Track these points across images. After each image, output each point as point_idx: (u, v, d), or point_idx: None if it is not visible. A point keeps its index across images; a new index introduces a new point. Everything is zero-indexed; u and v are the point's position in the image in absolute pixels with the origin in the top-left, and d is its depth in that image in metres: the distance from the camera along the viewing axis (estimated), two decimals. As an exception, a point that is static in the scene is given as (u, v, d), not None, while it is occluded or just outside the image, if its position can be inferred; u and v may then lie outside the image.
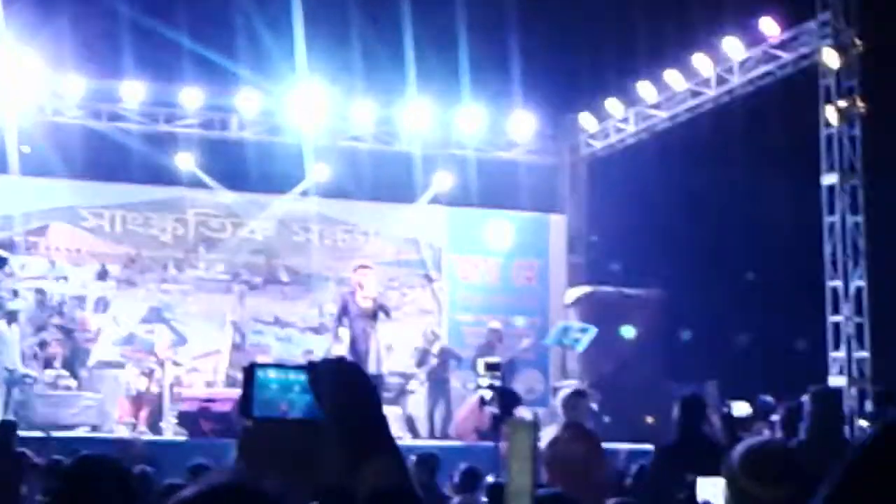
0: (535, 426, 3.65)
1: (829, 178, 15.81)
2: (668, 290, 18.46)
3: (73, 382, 17.79)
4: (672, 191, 18.38)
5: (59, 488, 3.88)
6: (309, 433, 2.07)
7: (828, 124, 15.73)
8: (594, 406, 11.85)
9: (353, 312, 14.93)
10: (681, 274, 18.40)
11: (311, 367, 2.10)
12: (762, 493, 3.95)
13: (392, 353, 19.36)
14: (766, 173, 17.17)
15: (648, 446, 10.56)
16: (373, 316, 15.07)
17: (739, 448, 4.24)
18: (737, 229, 18.10)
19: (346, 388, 2.06)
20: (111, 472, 3.74)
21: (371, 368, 14.70)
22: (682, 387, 16.95)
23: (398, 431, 17.20)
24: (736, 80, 17.56)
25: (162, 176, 19.54)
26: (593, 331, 16.21)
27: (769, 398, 13.55)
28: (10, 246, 18.50)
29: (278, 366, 2.19)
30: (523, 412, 16.86)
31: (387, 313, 15.43)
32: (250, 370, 2.15)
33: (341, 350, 14.70)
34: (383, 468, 2.01)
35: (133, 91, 18.83)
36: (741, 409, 10.90)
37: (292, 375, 2.15)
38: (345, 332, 15.08)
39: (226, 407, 14.95)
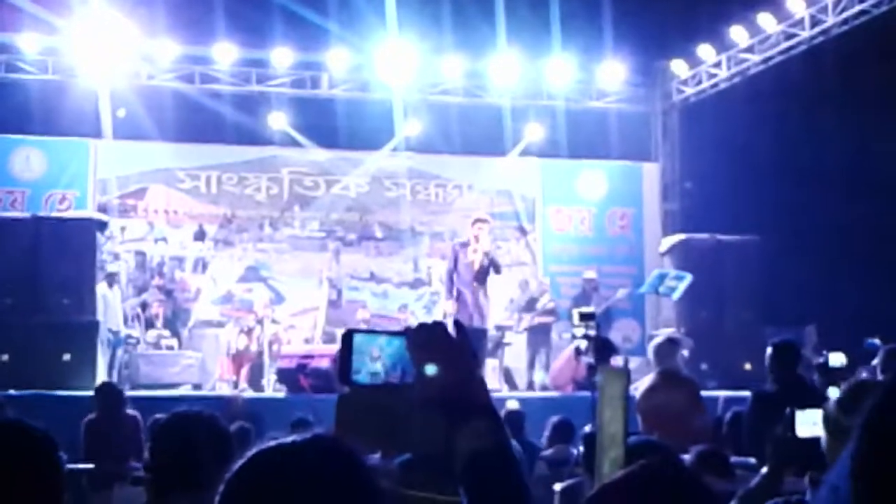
0: (626, 373, 3.67)
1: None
2: (763, 235, 18.24)
3: (174, 342, 18.10)
4: (766, 135, 18.13)
5: (154, 445, 3.95)
6: (406, 398, 2.09)
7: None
8: (685, 353, 11.75)
9: (462, 265, 14.73)
10: (777, 219, 18.21)
11: (408, 333, 2.12)
12: (849, 424, 3.96)
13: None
14: (862, 115, 16.88)
15: (746, 393, 10.47)
16: (484, 270, 14.84)
17: (839, 389, 4.26)
18: (833, 173, 17.84)
19: (443, 352, 2.07)
20: (206, 427, 3.81)
21: (476, 323, 14.61)
22: (781, 332, 16.83)
23: (495, 384, 17.25)
24: (830, 20, 17.23)
25: (255, 136, 19.74)
26: (689, 278, 16.07)
27: (876, 341, 13.37)
28: (108, 209, 18.83)
29: (375, 332, 2.22)
30: (619, 361, 16.88)
31: (497, 269, 15.04)
32: (348, 337, 2.18)
33: (451, 304, 14.66)
34: (481, 431, 2.03)
35: (224, 53, 18.98)
36: (837, 359, 10.76)
37: (388, 340, 2.17)
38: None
39: (323, 363, 15.09)
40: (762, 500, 4.54)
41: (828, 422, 4.11)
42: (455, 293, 14.81)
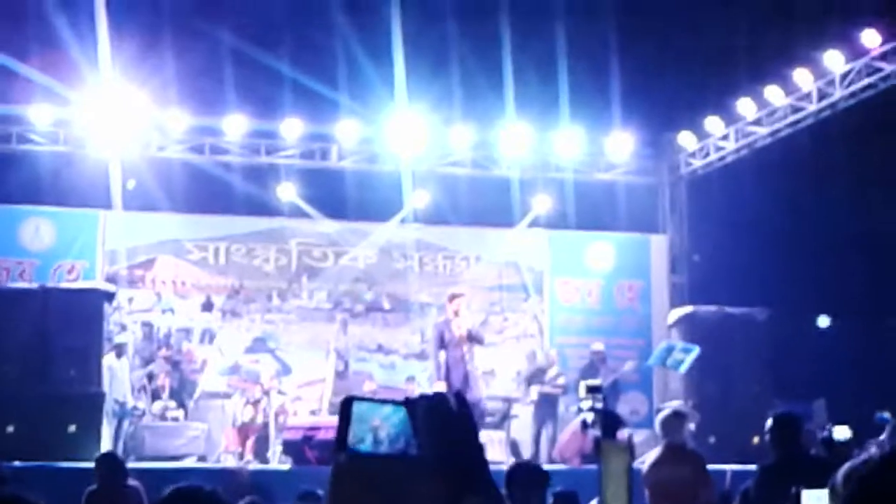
0: (630, 449, 3.65)
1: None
2: (772, 306, 18.20)
3: (180, 413, 18.06)
4: (774, 207, 18.18)
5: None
6: (403, 469, 2.07)
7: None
8: (692, 427, 11.69)
9: (448, 341, 15.00)
10: (785, 290, 18.18)
11: (409, 403, 2.11)
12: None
13: (494, 378, 19.43)
14: (869, 188, 16.92)
15: (754, 467, 10.40)
16: (468, 343, 15.10)
17: (845, 466, 4.20)
18: (840, 245, 17.84)
19: (445, 424, 2.06)
20: (207, 502, 3.78)
21: (468, 395, 14.66)
22: (790, 405, 16.74)
23: (501, 456, 17.17)
24: (837, 93, 17.29)
25: (264, 207, 19.80)
26: (696, 351, 16.03)
27: (886, 414, 13.29)
28: (116, 280, 18.86)
29: (375, 401, 2.20)
30: (626, 434, 16.79)
31: (480, 342, 15.31)
32: (347, 404, 2.17)
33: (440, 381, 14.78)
34: None
35: (235, 124, 19.10)
36: (842, 433, 10.68)
37: (389, 410, 2.16)
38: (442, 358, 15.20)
39: (329, 435, 14.99)
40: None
41: (835, 500, 4.07)
42: (444, 370, 14.94)
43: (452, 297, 15.43)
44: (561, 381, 18.12)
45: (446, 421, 2.07)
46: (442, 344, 14.97)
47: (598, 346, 18.64)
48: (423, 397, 2.12)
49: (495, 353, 19.77)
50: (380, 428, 2.14)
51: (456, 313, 15.05)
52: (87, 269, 18.87)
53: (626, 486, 3.32)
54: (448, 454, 2.04)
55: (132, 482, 10.79)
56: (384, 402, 2.19)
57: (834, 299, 18.04)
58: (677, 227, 21.03)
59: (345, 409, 2.15)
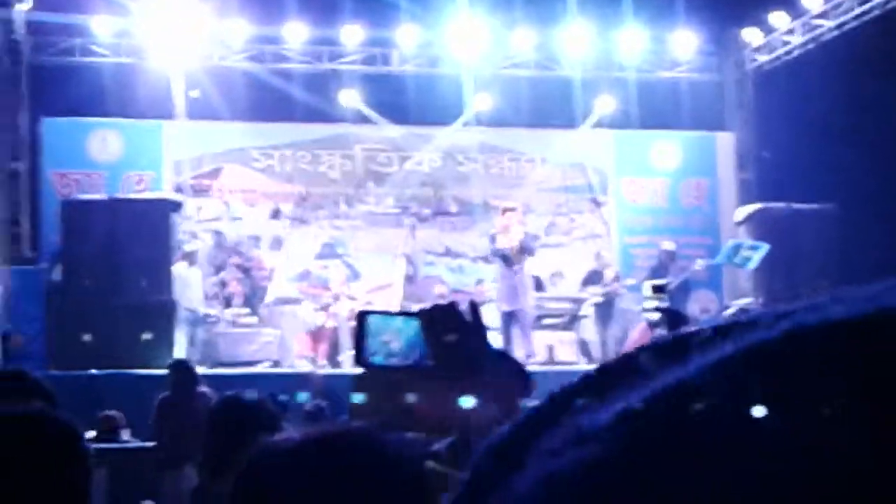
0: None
1: None
2: (840, 203, 18.02)
3: (253, 320, 18.27)
4: (842, 102, 17.86)
5: (204, 431, 3.99)
6: (415, 379, 2.11)
7: None
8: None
9: (500, 250, 15.60)
10: (854, 187, 17.95)
11: (422, 314, 2.14)
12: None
13: (563, 279, 19.46)
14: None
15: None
16: (517, 254, 15.77)
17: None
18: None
19: (455, 333, 2.09)
20: (256, 410, 3.84)
21: (521, 304, 15.81)
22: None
23: (572, 356, 17.27)
24: (906, -17, 16.97)
25: (327, 114, 19.78)
26: (765, 248, 15.94)
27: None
28: (183, 190, 19.02)
29: (390, 313, 2.24)
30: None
31: (531, 252, 16.12)
32: (361, 318, 2.20)
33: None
34: (494, 413, 2.04)
35: (295, 32, 19.07)
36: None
37: (401, 322, 2.19)
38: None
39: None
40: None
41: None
42: (499, 275, 16.10)
43: (504, 211, 15.89)
44: (616, 283, 18.22)
45: (457, 331, 2.09)
46: (495, 251, 15.59)
47: (669, 244, 18.58)
48: (435, 308, 2.15)
49: (563, 255, 19.78)
50: (392, 341, 2.17)
51: (506, 228, 15.52)
52: (155, 179, 19.03)
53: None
54: (459, 363, 2.06)
55: (203, 389, 10.97)
56: (397, 314, 2.23)
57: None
58: (743, 125, 20.80)
59: (360, 323, 2.18)
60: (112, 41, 18.90)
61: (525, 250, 15.94)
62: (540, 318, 17.38)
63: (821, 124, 18.07)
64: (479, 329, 2.15)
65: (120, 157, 19.07)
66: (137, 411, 12.00)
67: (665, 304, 11.16)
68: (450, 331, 2.11)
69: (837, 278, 17.68)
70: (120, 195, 17.65)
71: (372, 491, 1.67)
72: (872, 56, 17.60)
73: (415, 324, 2.15)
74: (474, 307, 2.22)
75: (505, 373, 3.63)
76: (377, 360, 2.19)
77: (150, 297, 16.06)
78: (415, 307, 18.83)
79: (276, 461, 1.72)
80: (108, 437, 11.22)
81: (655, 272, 18.20)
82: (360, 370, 2.22)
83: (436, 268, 19.91)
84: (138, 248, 16.15)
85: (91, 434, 10.02)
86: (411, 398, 2.14)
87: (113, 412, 11.78)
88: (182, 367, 11.65)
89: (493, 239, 16.35)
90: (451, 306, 2.16)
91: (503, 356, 3.91)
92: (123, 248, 16.12)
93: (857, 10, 17.79)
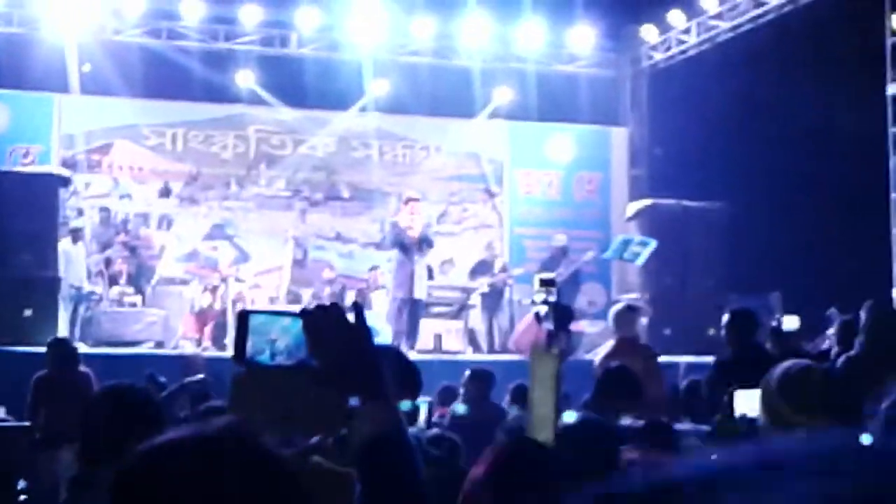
0: (559, 356, 3.65)
1: (893, 88, 15.53)
2: (731, 201, 18.26)
3: (138, 299, 18.03)
4: (735, 102, 18.11)
5: (84, 418, 3.90)
6: (300, 380, 2.06)
7: (893, 33, 15.43)
8: (644, 321, 11.74)
9: (403, 239, 15.79)
10: (744, 185, 18.21)
11: (304, 314, 2.09)
12: (796, 420, 3.93)
13: (453, 268, 19.49)
14: (829, 84, 16.86)
15: (709, 359, 10.49)
16: (418, 245, 16.04)
17: (779, 369, 4.21)
18: (800, 140, 17.82)
19: (338, 335, 2.05)
20: (138, 399, 3.76)
21: (414, 294, 15.99)
22: (746, 299, 16.87)
23: (459, 345, 17.30)
24: (800, -12, 17.19)
25: (222, 94, 19.57)
26: (653, 244, 16.06)
27: (833, 311, 13.40)
28: (73, 165, 18.69)
29: (272, 312, 2.19)
30: (583, 326, 16.95)
31: (430, 245, 16.42)
32: (243, 317, 2.16)
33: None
34: (376, 415, 2.01)
35: (192, 8, 18.79)
36: (790, 322, 10.78)
37: (287, 322, 2.14)
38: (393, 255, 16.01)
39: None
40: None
41: (767, 405, 4.07)
42: (396, 263, 16.21)
43: (408, 201, 16.10)
44: (504, 273, 18.37)
45: (340, 331, 2.06)
46: (396, 239, 15.76)
47: (561, 237, 18.70)
48: (317, 308, 2.11)
49: (454, 244, 19.81)
50: (278, 340, 2.14)
51: (410, 217, 15.75)
52: (43, 153, 18.66)
53: (553, 392, 3.33)
54: (341, 364, 2.03)
55: (83, 369, 10.79)
56: (281, 313, 2.19)
57: (792, 195, 18.06)
58: (638, 121, 20.98)
59: (241, 322, 2.14)
60: (4, 10, 18.47)
61: (426, 241, 16.12)
62: (429, 305, 17.40)
63: (713, 123, 18.31)
64: (362, 329, 2.11)
65: (7, 129, 18.66)
66: (16, 389, 11.75)
67: (553, 298, 11.18)
68: (332, 331, 2.06)
69: (725, 276, 17.95)
70: (5, 167, 17.23)
71: (248, 493, 1.64)
72: (765, 58, 17.86)
73: (299, 323, 2.11)
74: (358, 308, 2.18)
75: (392, 373, 3.60)
76: (262, 359, 2.13)
77: (33, 273, 15.74)
78: (303, 291, 18.81)
79: (153, 463, 1.67)
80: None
81: (546, 265, 18.28)
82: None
83: (326, 252, 19.80)
84: (23, 222, 15.81)
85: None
86: (294, 398, 2.09)
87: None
88: (61, 346, 11.44)
89: (394, 226, 16.45)
90: (334, 306, 2.12)
91: (391, 354, 3.88)
92: (7, 222, 15.76)
93: (753, 13, 18.01)
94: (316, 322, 2.07)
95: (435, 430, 7.27)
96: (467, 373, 10.75)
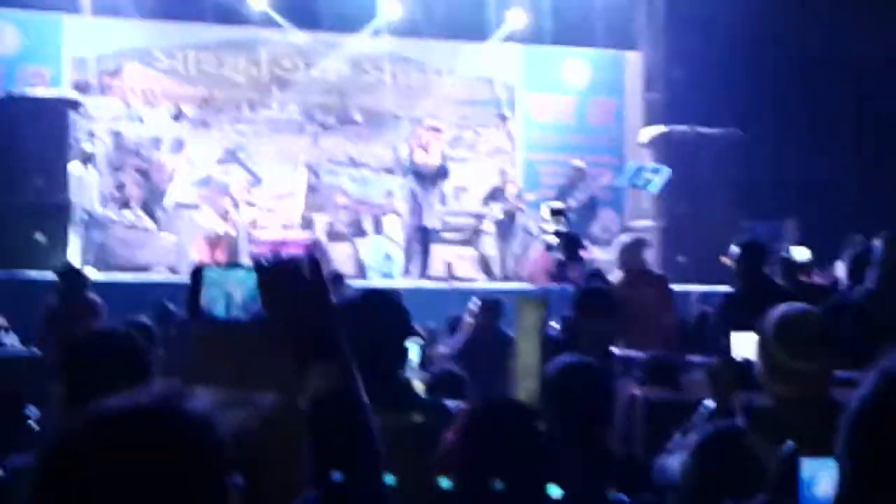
0: (544, 303, 3.59)
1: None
2: (746, 127, 18.09)
3: (150, 224, 18.01)
4: (752, 25, 17.87)
5: (67, 361, 3.84)
6: (255, 334, 2.02)
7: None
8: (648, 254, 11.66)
9: (420, 166, 15.71)
10: (761, 110, 18.04)
11: (259, 268, 2.03)
12: (791, 365, 3.87)
13: (466, 194, 19.39)
14: (849, 7, 16.63)
15: (722, 287, 10.44)
16: (434, 174, 15.64)
17: (775, 312, 4.13)
18: (818, 65, 17.62)
19: (293, 290, 2.00)
20: (122, 344, 3.70)
21: (426, 222, 16.17)
22: (759, 226, 16.80)
23: (472, 272, 17.26)
24: None
25: (234, 16, 19.35)
26: (666, 171, 15.95)
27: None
28: (84, 88, 18.57)
29: (228, 265, 2.15)
30: (594, 252, 16.87)
31: (445, 175, 16.62)
32: (198, 271, 2.10)
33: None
34: (328, 373, 1.96)
35: (205, -71, 18.60)
36: (801, 253, 10.70)
37: (242, 274, 2.09)
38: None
39: (297, 250, 15.07)
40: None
41: (764, 350, 4.00)
42: (409, 191, 16.42)
43: (429, 128, 16.03)
44: (518, 200, 18.31)
45: (294, 287, 2.00)
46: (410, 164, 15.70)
47: (579, 162, 18.64)
48: (273, 263, 2.05)
49: (466, 169, 19.69)
50: (234, 292, 2.08)
51: (427, 146, 15.64)
52: (53, 76, 18.55)
53: (538, 341, 3.27)
54: (296, 320, 1.98)
55: (91, 296, 10.77)
56: (237, 266, 2.14)
57: (809, 121, 17.90)
58: (653, 44, 20.71)
59: (195, 277, 2.09)
60: (14, -70, 18.28)
61: (442, 172, 16.05)
62: (440, 232, 17.36)
63: (730, 49, 18.09)
64: (317, 285, 2.05)
65: (17, 50, 18.53)
66: (28, 316, 11.76)
67: (563, 227, 11.15)
68: (287, 288, 2.00)
69: (740, 203, 17.84)
70: (15, 91, 17.12)
71: (171, 469, 1.58)
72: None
73: (254, 276, 2.04)
74: (314, 264, 2.11)
75: (381, 315, 3.54)
76: (216, 311, 2.08)
77: (45, 198, 15.74)
78: (316, 216, 18.77)
79: (75, 446, 1.61)
80: (-11, 340, 10.98)
81: (563, 190, 18.25)
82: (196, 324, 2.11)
83: (338, 177, 19.68)
84: (33, 147, 15.78)
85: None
86: (249, 354, 2.04)
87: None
88: (71, 273, 11.43)
89: (411, 153, 16.32)
90: (290, 261, 2.06)
91: (378, 299, 3.82)
92: (18, 146, 15.72)
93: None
94: (270, 277, 2.02)
95: (437, 368, 7.24)
96: (477, 302, 10.73)
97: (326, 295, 2.05)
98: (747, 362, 4.36)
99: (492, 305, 10.48)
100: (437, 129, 16.41)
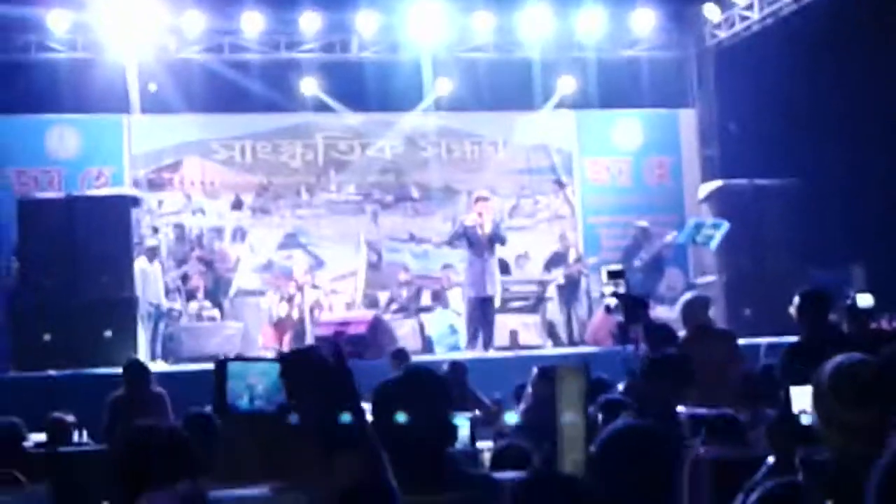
0: (586, 372, 3.56)
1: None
2: (803, 178, 17.98)
3: (216, 313, 18.18)
4: (801, 77, 17.82)
5: (117, 456, 3.89)
6: (279, 426, 2.03)
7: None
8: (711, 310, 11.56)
9: (472, 239, 15.80)
10: (816, 161, 17.92)
11: (281, 360, 2.05)
12: (845, 416, 3.83)
13: (528, 261, 19.42)
14: (894, 54, 16.55)
15: (791, 338, 10.32)
16: (489, 242, 16.02)
17: (830, 363, 4.09)
18: (869, 114, 17.51)
19: (315, 379, 2.00)
20: (163, 437, 3.74)
21: (487, 292, 16.05)
22: (826, 274, 16.62)
23: (537, 339, 17.21)
24: (862, -44, 16.87)
25: (287, 103, 19.64)
26: (725, 226, 15.88)
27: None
28: (144, 184, 18.88)
29: (251, 359, 2.16)
30: (663, 312, 16.76)
31: (502, 242, 16.40)
32: (221, 365, 2.13)
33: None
34: (355, 464, 1.96)
35: (252, 21, 18.86)
36: (864, 300, 10.56)
37: (265, 366, 2.11)
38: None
39: (360, 329, 15.15)
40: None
41: (819, 402, 3.96)
42: (468, 262, 16.30)
43: (477, 200, 16.05)
44: (578, 263, 18.31)
45: (316, 376, 2.01)
46: (465, 239, 15.77)
47: (643, 222, 18.69)
48: (294, 353, 2.07)
49: (527, 237, 19.73)
50: (257, 384, 2.10)
51: (480, 215, 15.72)
52: (115, 174, 18.87)
53: (582, 411, 3.26)
54: (319, 410, 1.98)
55: (156, 388, 10.87)
56: (258, 359, 2.15)
57: (865, 167, 17.77)
58: (705, 101, 20.71)
59: (219, 370, 2.11)
60: (67, 36, 18.66)
61: (496, 239, 16.09)
62: (505, 301, 17.35)
63: (782, 100, 18.04)
64: (343, 375, 2.06)
65: (78, 153, 18.89)
66: (97, 412, 11.86)
67: (622, 289, 11.10)
68: (309, 378, 2.01)
69: (803, 252, 17.69)
70: (78, 192, 17.42)
71: None
72: (830, 31, 17.54)
73: (276, 368, 2.06)
74: (338, 351, 2.13)
75: (418, 390, 3.54)
76: (241, 404, 2.10)
77: (111, 294, 15.91)
78: (379, 294, 18.86)
79: None
80: (60, 439, 11.06)
81: (629, 251, 18.24)
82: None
83: (400, 254, 19.82)
84: (98, 245, 15.98)
85: (41, 437, 9.94)
86: (273, 445, 2.06)
87: (61, 414, 11.60)
88: (134, 366, 11.54)
89: (463, 225, 16.41)
90: (312, 350, 2.07)
91: (415, 376, 3.82)
92: (83, 246, 15.94)
93: (816, -15, 17.70)
94: (291, 367, 2.03)
95: (497, 443, 7.19)
96: (444, 367, 10.83)
97: (350, 384, 2.06)
98: (805, 415, 4.31)
99: (548, 372, 10.37)
100: (485, 198, 16.48)
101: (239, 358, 2.16)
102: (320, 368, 2.04)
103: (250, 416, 2.08)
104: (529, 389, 10.19)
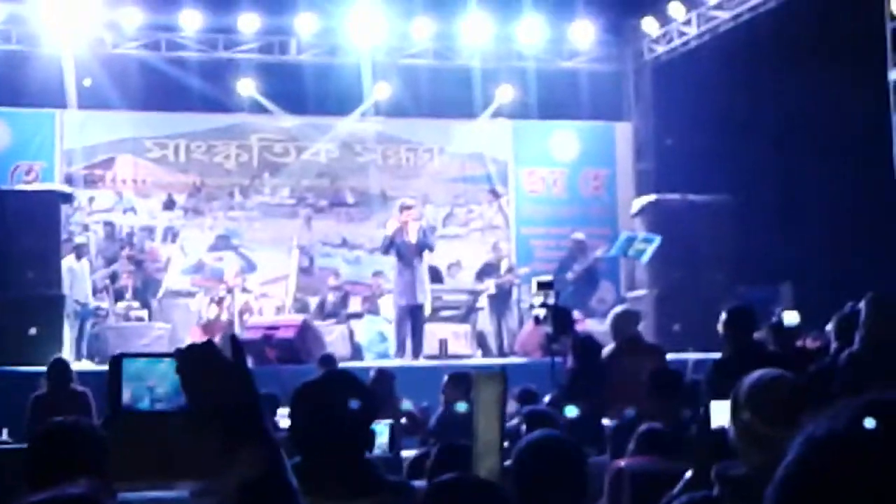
0: (502, 379, 3.54)
1: (895, 74, 15.37)
2: (736, 195, 18.09)
3: (144, 313, 17.98)
4: (738, 93, 17.95)
5: (28, 454, 3.84)
6: (179, 425, 1.98)
7: (893, 18, 15.26)
8: (641, 324, 11.59)
9: (399, 246, 15.84)
10: (750, 178, 18.05)
11: (176, 355, 2.00)
12: (764, 431, 3.84)
13: (461, 271, 19.41)
14: (831, 71, 16.69)
15: (719, 354, 10.37)
16: (417, 250, 16.13)
17: (748, 378, 4.10)
18: (804, 131, 17.67)
19: (212, 375, 1.96)
20: (79, 433, 3.69)
21: (418, 300, 16.09)
22: (754, 291, 16.74)
23: (467, 348, 17.18)
24: (799, -25, 17.04)
25: (223, 104, 19.51)
26: (657, 240, 15.97)
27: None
28: (75, 180, 18.67)
29: (146, 355, 2.11)
30: (592, 325, 16.81)
31: (430, 249, 16.54)
32: (117, 362, 2.07)
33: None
34: (254, 459, 1.92)
35: (190, 19, 18.72)
36: (791, 318, 10.64)
37: (164, 366, 2.06)
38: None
39: (289, 333, 15.04)
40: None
41: (737, 417, 3.97)
42: (397, 269, 16.32)
43: (402, 209, 16.08)
44: (504, 266, 18.33)
45: (213, 372, 1.97)
46: (392, 245, 15.80)
47: (579, 234, 18.72)
48: (189, 348, 2.02)
49: (460, 246, 19.73)
50: (157, 386, 2.05)
51: (406, 223, 15.75)
52: (46, 169, 18.65)
53: (498, 418, 3.23)
54: (217, 406, 1.94)
55: (79, 387, 10.75)
56: (159, 356, 2.10)
57: (798, 185, 17.92)
58: (642, 115, 20.84)
59: (114, 366, 2.06)
60: (2, 27, 18.43)
61: (423, 246, 16.11)
62: (436, 310, 17.33)
63: (717, 115, 18.16)
64: (238, 367, 2.01)
65: (8, 146, 18.64)
66: (20, 410, 11.69)
67: (551, 301, 11.12)
68: (206, 372, 1.96)
69: (734, 269, 17.80)
70: (7, 186, 17.19)
71: None
72: (767, 47, 17.70)
73: (173, 365, 2.01)
74: (235, 343, 2.08)
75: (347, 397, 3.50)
76: (141, 406, 2.04)
77: (37, 291, 15.70)
78: (310, 298, 18.75)
79: None
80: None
81: (564, 263, 18.28)
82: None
83: (332, 259, 19.75)
84: (26, 241, 15.77)
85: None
86: (171, 443, 2.00)
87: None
88: (57, 364, 11.42)
89: (387, 236, 16.39)
90: (207, 345, 2.02)
91: (342, 381, 3.78)
92: (10, 241, 15.73)
93: (752, 2, 17.86)
94: (188, 363, 1.98)
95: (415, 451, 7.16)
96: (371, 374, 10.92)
97: (247, 377, 2.02)
98: (724, 430, 4.31)
99: (457, 378, 10.33)
100: (408, 207, 16.50)
101: (138, 354, 2.09)
102: (215, 361, 1.98)
103: (147, 416, 2.02)
104: (441, 396, 10.19)
